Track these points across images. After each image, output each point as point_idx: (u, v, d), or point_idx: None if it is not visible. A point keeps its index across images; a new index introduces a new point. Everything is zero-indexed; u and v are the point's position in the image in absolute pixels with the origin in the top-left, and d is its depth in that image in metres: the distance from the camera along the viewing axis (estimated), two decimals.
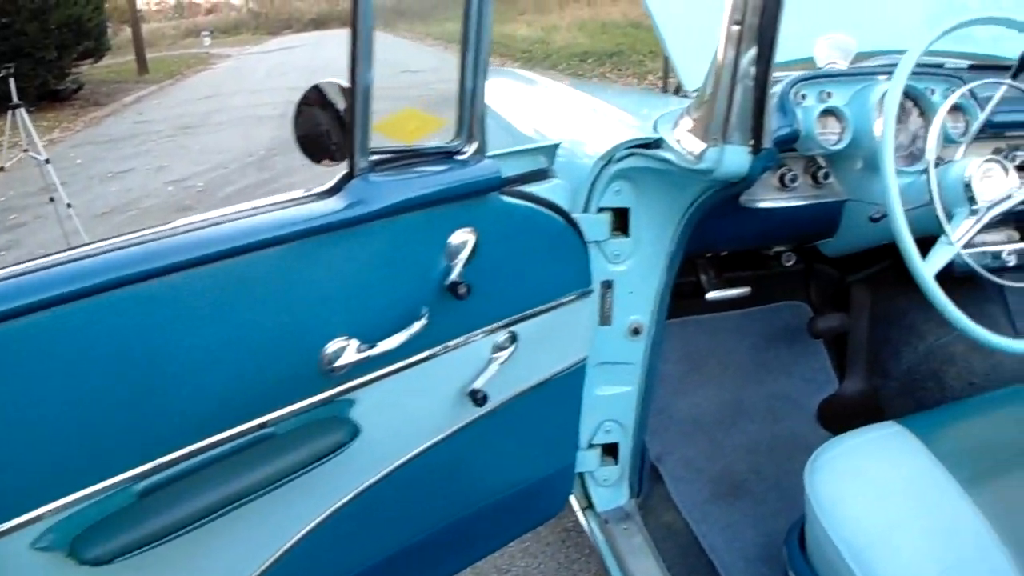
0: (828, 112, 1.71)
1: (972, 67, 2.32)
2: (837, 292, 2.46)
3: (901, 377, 2.33)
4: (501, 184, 1.37)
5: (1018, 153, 1.90)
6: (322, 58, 20.03)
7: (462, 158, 1.34)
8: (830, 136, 1.71)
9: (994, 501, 1.33)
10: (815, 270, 2.46)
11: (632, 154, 1.58)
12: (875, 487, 1.43)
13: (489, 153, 1.42)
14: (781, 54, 2.07)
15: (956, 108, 1.78)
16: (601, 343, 1.72)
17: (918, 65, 1.97)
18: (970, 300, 1.55)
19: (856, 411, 2.38)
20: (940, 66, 2.30)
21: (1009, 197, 1.52)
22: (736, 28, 1.33)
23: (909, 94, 1.77)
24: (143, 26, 24.81)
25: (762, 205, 1.77)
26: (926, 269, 1.45)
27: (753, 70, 1.35)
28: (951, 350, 2.25)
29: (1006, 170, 1.53)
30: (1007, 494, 1.35)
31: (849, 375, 2.45)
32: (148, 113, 13.90)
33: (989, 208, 1.51)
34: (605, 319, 1.71)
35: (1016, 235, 1.88)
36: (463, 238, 1.32)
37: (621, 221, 1.66)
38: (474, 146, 1.35)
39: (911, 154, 1.76)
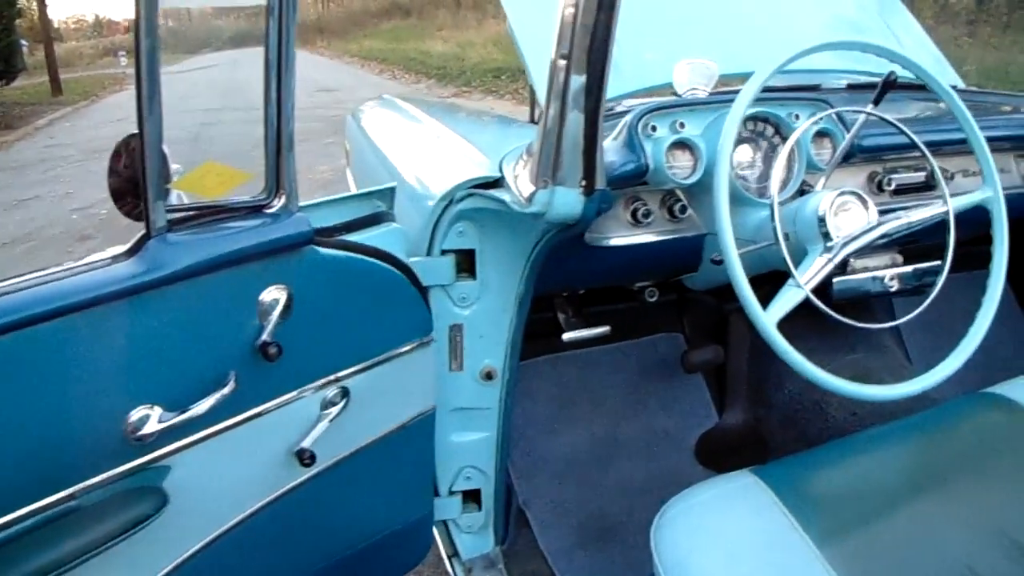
0: (680, 144, 1.63)
1: (851, 86, 2.30)
2: (715, 321, 2.40)
3: (783, 408, 2.30)
4: (315, 237, 1.30)
5: (895, 176, 1.89)
6: (238, 78, 19.70)
7: (271, 212, 1.27)
8: (682, 169, 1.64)
9: (847, 560, 1.27)
10: (688, 300, 2.39)
11: (472, 194, 1.52)
12: (724, 545, 1.36)
13: (325, 199, 1.37)
14: (640, 80, 2.05)
15: (823, 134, 1.75)
16: (453, 389, 1.68)
17: (786, 88, 1.91)
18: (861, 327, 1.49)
19: (737, 444, 2.36)
20: (816, 87, 2.27)
21: (867, 231, 1.47)
22: (563, 62, 1.26)
23: (769, 120, 1.71)
24: (60, 45, 24.26)
25: (613, 243, 1.69)
26: (767, 318, 1.38)
27: (582, 106, 1.28)
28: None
29: (864, 203, 1.48)
30: (861, 551, 1.29)
31: (729, 407, 2.40)
32: (60, 136, 13.67)
33: (844, 244, 1.45)
34: (456, 364, 1.66)
35: (900, 258, 1.81)
36: (274, 296, 1.26)
37: (467, 263, 1.61)
38: (282, 199, 1.28)
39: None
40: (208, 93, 15.36)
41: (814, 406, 2.22)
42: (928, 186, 1.92)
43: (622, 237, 1.70)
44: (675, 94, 1.84)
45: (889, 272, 1.72)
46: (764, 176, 1.70)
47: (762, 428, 2.36)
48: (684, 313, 2.43)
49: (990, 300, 1.54)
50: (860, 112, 1.61)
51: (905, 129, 1.55)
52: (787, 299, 1.42)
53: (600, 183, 1.36)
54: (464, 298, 1.62)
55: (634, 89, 2.05)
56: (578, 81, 1.26)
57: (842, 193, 1.47)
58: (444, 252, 1.57)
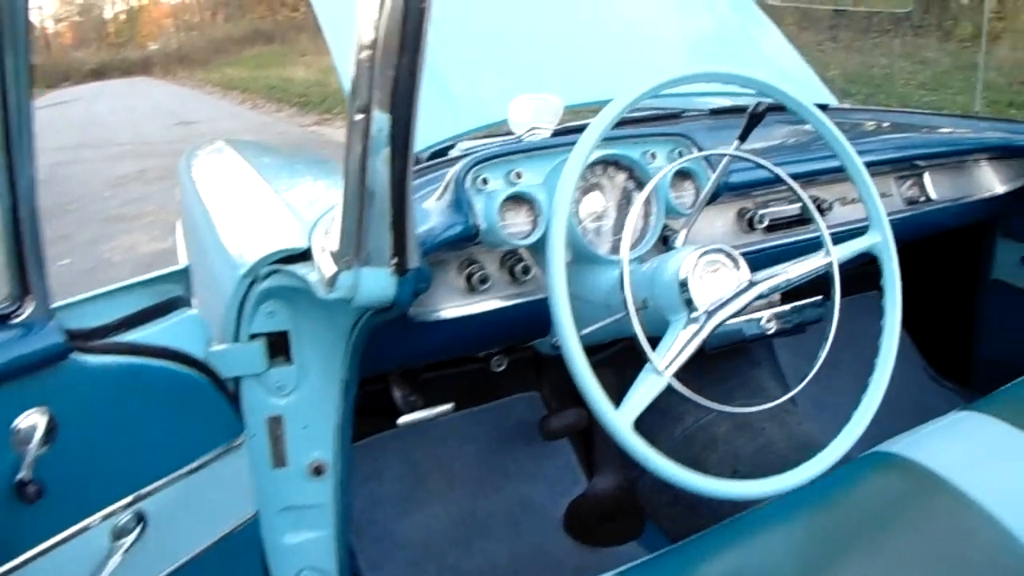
0: (516, 198, 1.41)
1: (715, 112, 2.11)
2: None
3: None
4: (79, 343, 1.14)
5: (767, 212, 1.72)
6: (97, 111, 19.14)
7: (18, 321, 1.08)
8: (519, 228, 1.42)
9: None
10: (545, 357, 2.16)
11: (277, 270, 1.29)
12: None
13: (102, 290, 1.22)
14: (480, 116, 1.81)
15: (685, 174, 1.55)
16: (279, 488, 1.49)
17: (642, 119, 1.70)
18: (732, 370, 1.27)
19: (609, 512, 2.15)
20: (677, 116, 2.07)
21: (738, 295, 1.25)
22: (360, 117, 1.02)
23: (621, 163, 1.49)
24: None
25: (445, 315, 1.46)
26: (620, 420, 1.16)
27: (387, 170, 1.05)
28: (712, 432, 2.05)
29: (734, 261, 1.26)
30: None
31: (599, 471, 2.19)
32: None
33: (712, 313, 1.23)
34: (279, 460, 1.46)
35: (776, 296, 1.62)
36: (31, 422, 1.08)
37: (282, 346, 1.39)
38: (31, 305, 1.09)
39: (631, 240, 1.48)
40: (67, 130, 14.84)
41: (691, 464, 1.98)
42: (804, 220, 1.75)
43: (456, 307, 1.47)
44: (511, 133, 1.63)
45: (766, 313, 1.53)
46: (619, 227, 1.49)
47: (636, 492, 2.17)
48: (541, 372, 2.22)
49: (883, 364, 1.39)
50: (724, 155, 1.43)
51: (774, 168, 1.34)
52: (645, 391, 1.19)
53: (414, 261, 1.16)
54: (281, 386, 1.40)
55: (472, 128, 1.82)
56: (380, 141, 1.03)
57: (707, 252, 1.25)
58: (253, 336, 1.35)
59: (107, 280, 1.43)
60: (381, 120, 1.02)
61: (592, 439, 2.18)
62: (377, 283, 1.16)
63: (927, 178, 2.00)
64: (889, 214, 1.71)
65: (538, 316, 1.52)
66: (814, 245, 1.38)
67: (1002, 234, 2.23)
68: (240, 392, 1.35)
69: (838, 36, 11.22)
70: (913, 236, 2.03)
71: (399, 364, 1.74)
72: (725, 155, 1.41)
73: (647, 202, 1.47)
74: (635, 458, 1.17)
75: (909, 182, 1.98)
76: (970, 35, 9.56)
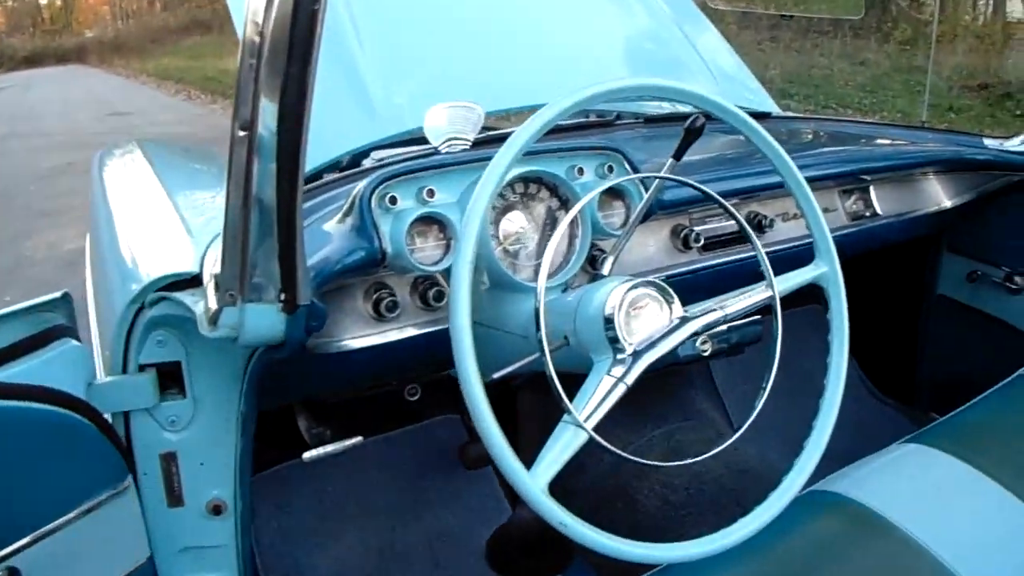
0: (427, 219, 1.29)
1: (650, 120, 2.01)
2: (498, 398, 2.05)
3: (586, 495, 1.98)
4: None
5: (703, 229, 1.62)
6: (28, 100, 18.62)
7: None
8: (430, 252, 1.31)
9: None
10: None
11: (165, 297, 1.18)
12: None
13: None
14: (398, 123, 1.68)
15: (614, 191, 1.43)
16: (176, 528, 1.39)
17: (569, 128, 1.59)
18: (665, 390, 1.19)
19: (534, 542, 2.03)
20: (610, 123, 1.96)
21: (669, 333, 1.13)
22: (243, 134, 0.91)
23: (544, 180, 1.36)
24: None
25: (350, 345, 1.33)
26: (533, 484, 1.04)
27: (272, 196, 0.94)
28: (644, 457, 1.91)
29: (666, 296, 1.14)
30: None
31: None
32: None
33: (640, 354, 1.10)
34: (175, 499, 1.36)
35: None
36: None
37: (174, 378, 1.29)
38: None
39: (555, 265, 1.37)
40: None
41: (620, 492, 1.95)
42: (744, 238, 1.64)
43: (362, 337, 1.34)
44: (420, 142, 1.51)
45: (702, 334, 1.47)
46: (542, 250, 1.34)
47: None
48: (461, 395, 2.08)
49: (829, 405, 1.29)
50: (656, 177, 1.32)
51: (707, 190, 1.23)
52: (562, 447, 1.07)
53: (305, 296, 1.04)
54: (174, 421, 1.30)
55: (389, 135, 1.69)
56: (265, 160, 0.92)
57: (636, 285, 1.13)
58: (142, 367, 1.25)
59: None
60: (267, 137, 0.90)
61: None
62: (264, 321, 1.06)
63: (873, 192, 1.92)
64: (833, 230, 1.61)
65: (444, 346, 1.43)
66: (754, 265, 1.27)
67: (948, 249, 2.17)
68: (130, 428, 1.26)
69: (778, 36, 11.31)
70: (857, 251, 1.95)
71: (304, 396, 1.64)
72: (657, 177, 1.30)
73: (572, 223, 1.36)
74: (549, 522, 1.05)
75: (854, 196, 1.89)
76: (909, 38, 9.67)
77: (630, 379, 1.08)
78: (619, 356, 1.09)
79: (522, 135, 1.10)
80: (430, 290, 1.35)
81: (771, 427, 2.08)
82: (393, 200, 1.28)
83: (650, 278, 1.15)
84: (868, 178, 1.90)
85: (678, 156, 1.29)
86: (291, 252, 0.99)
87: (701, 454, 1.21)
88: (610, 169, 1.42)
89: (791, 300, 1.47)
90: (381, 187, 1.28)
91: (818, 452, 1.25)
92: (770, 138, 1.24)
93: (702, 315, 1.16)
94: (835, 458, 1.86)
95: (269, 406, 1.36)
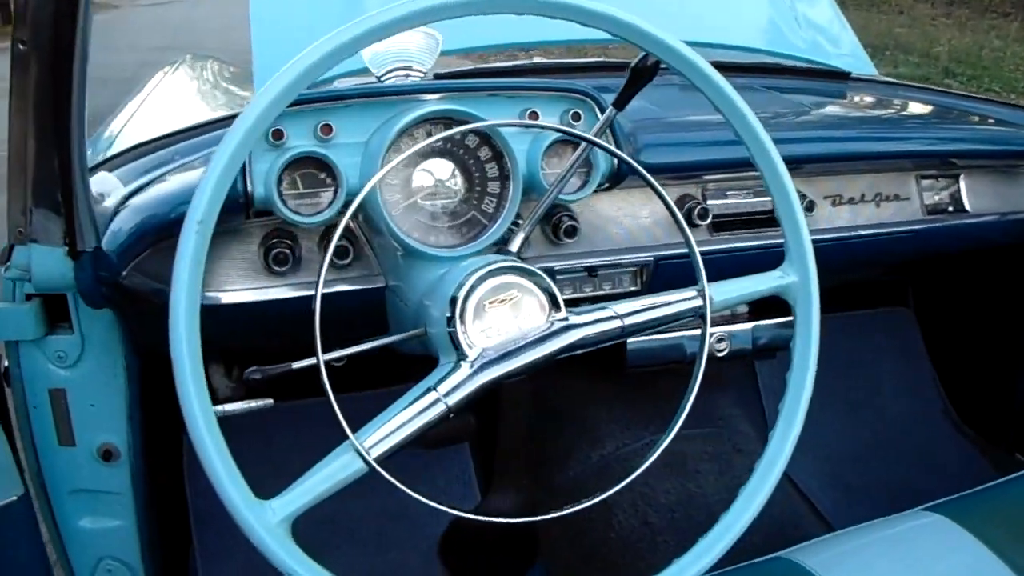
0: (312, 160, 1.04)
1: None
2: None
3: (566, 494, 1.78)
4: None
5: (717, 204, 1.34)
6: (225, 15, 19.11)
7: None
8: (310, 200, 1.07)
9: None
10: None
11: None
12: None
13: None
14: None
15: (576, 145, 1.14)
16: (67, 468, 1.34)
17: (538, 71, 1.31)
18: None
19: (496, 539, 1.83)
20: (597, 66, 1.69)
21: (539, 344, 0.89)
22: (22, 48, 0.85)
23: (468, 123, 1.06)
24: None
25: (225, 300, 1.14)
26: (264, 517, 0.84)
27: (49, 123, 0.89)
28: (633, 465, 1.68)
29: (546, 290, 0.91)
30: None
31: (497, 488, 1.85)
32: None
33: (484, 367, 0.88)
34: (66, 438, 1.31)
35: (741, 309, 1.43)
36: None
37: (64, 311, 1.23)
38: None
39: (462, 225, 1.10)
40: None
41: (600, 504, 1.68)
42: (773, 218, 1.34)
43: (241, 291, 1.13)
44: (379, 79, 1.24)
45: (718, 330, 1.36)
46: (461, 213, 1.08)
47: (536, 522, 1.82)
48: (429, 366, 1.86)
49: (780, 441, 1.00)
50: (580, 137, 1.02)
51: (623, 156, 0.98)
52: (326, 476, 0.88)
53: (88, 241, 0.98)
54: (61, 356, 1.24)
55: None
56: (42, 86, 0.86)
57: (497, 271, 0.89)
58: (29, 296, 1.19)
59: None
60: (41, 52, 0.84)
61: (494, 448, 1.85)
62: (50, 264, 1.00)
63: (963, 182, 1.55)
64: (902, 224, 1.45)
65: (368, 310, 1.19)
66: (780, 254, 1.02)
67: None
68: (20, 358, 1.22)
69: (955, 13, 10.74)
70: (931, 254, 1.65)
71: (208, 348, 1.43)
72: (582, 137, 1.00)
73: (504, 179, 1.07)
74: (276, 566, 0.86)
75: (938, 185, 1.53)
76: None
77: (454, 400, 0.86)
78: (459, 364, 0.87)
79: (299, 64, 0.81)
80: (345, 243, 1.13)
81: (814, 445, 1.78)
82: (279, 134, 1.04)
83: (520, 263, 0.91)
84: (959, 163, 1.54)
85: (620, 104, 0.99)
86: (69, 188, 0.92)
87: (701, 472, 0.97)
88: (576, 117, 1.14)
89: (853, 299, 1.36)
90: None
91: (757, 500, 1.00)
92: (728, 89, 0.92)
93: (594, 322, 0.90)
94: (882, 487, 1.71)
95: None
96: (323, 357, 0.84)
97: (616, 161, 1.13)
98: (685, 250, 1.29)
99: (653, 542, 1.63)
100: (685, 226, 0.93)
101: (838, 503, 1.77)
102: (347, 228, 1.15)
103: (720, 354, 1.39)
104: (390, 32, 0.81)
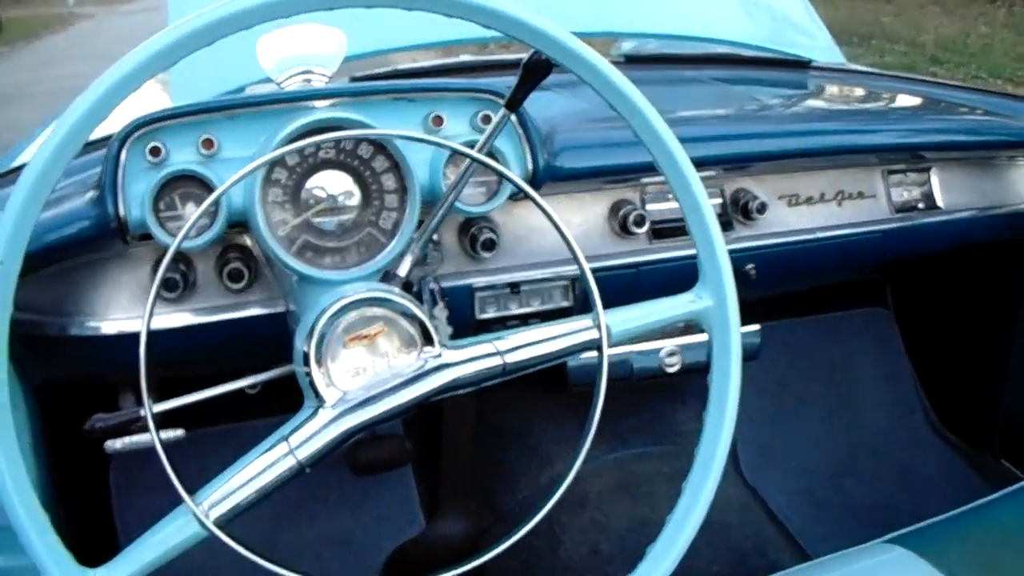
0: (193, 179, 0.95)
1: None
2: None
3: (514, 517, 1.69)
4: None
5: (656, 208, 1.24)
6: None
7: None
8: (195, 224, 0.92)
9: None
10: None
11: None
12: None
13: None
14: None
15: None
16: None
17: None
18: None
19: (443, 565, 1.68)
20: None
21: (401, 388, 0.78)
22: None
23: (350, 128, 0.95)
24: None
25: (114, 328, 1.05)
26: None
27: None
28: (584, 489, 1.66)
29: (418, 325, 0.80)
30: None
31: (442, 512, 1.77)
32: None
33: (343, 415, 0.77)
34: None
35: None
36: None
37: None
38: None
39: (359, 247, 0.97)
40: None
41: (547, 526, 1.64)
42: (723, 224, 1.24)
43: (130, 319, 1.05)
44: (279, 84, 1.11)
45: (668, 343, 1.28)
46: (353, 232, 0.95)
47: (481, 546, 1.71)
48: None
49: (701, 475, 0.86)
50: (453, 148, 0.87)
51: (477, 156, 0.84)
52: (158, 542, 0.74)
53: None
54: None
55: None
56: None
57: (360, 302, 0.79)
58: None
59: None
60: None
61: (438, 471, 1.75)
62: None
63: (934, 176, 1.44)
64: (864, 224, 1.37)
65: (276, 336, 1.06)
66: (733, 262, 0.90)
67: None
68: None
69: (944, 1, 10.59)
70: (906, 255, 1.53)
71: (89, 378, 1.33)
72: (455, 149, 0.87)
73: (402, 191, 0.96)
74: None
75: (907, 180, 1.42)
76: None
77: (307, 454, 0.76)
78: (317, 411, 0.77)
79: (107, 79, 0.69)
80: (228, 265, 1.03)
81: (782, 456, 1.67)
82: (156, 151, 0.94)
83: (386, 292, 0.81)
84: (930, 156, 1.42)
85: (512, 104, 0.87)
86: None
87: (657, 493, 0.87)
88: (486, 119, 1.02)
89: (843, 297, 1.38)
90: (138, 134, 0.94)
91: (685, 534, 0.88)
92: (622, 83, 0.79)
93: (472, 360, 0.79)
94: (858, 504, 1.70)
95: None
96: (155, 408, 0.75)
97: (531, 166, 1.01)
98: (623, 261, 1.19)
99: (603, 573, 1.54)
100: (576, 249, 0.82)
101: (809, 523, 1.67)
102: (243, 249, 1.05)
103: (671, 369, 1.30)
104: (186, 51, 0.70)
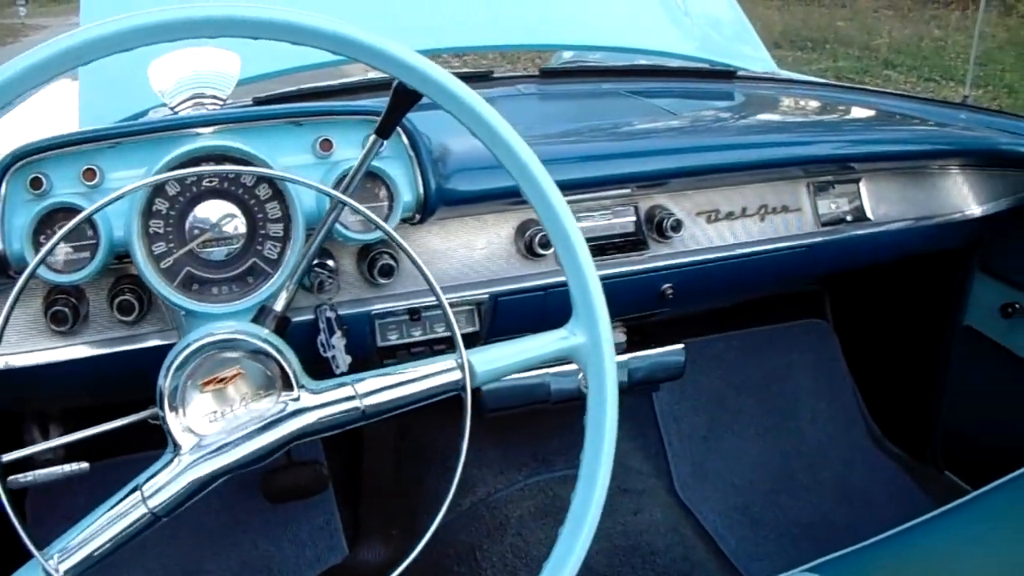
0: (68, 209, 0.90)
1: (547, 73, 1.55)
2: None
3: (434, 543, 1.56)
4: None
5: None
6: None
7: None
8: (75, 256, 0.92)
9: None
10: None
11: None
12: None
13: None
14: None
15: (371, 174, 0.99)
16: None
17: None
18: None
19: None
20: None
21: (263, 431, 0.74)
22: None
23: (242, 160, 0.92)
24: None
25: (20, 362, 1.01)
26: None
27: None
28: (505, 513, 1.63)
29: (275, 366, 0.77)
30: None
31: (364, 537, 1.72)
32: None
33: (203, 459, 0.73)
34: None
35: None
36: None
37: None
38: None
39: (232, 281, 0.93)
40: None
41: (467, 552, 1.63)
42: (638, 241, 1.22)
43: (21, 354, 1.01)
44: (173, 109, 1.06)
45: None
46: (252, 249, 0.91)
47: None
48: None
49: (573, 533, 0.80)
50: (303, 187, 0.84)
51: (362, 209, 0.81)
52: None
53: None
54: None
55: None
56: None
57: (213, 344, 0.75)
58: None
59: None
60: None
61: (358, 496, 1.71)
62: None
63: (863, 188, 1.40)
64: (789, 239, 1.33)
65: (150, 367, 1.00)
66: (645, 283, 1.01)
67: (981, 269, 1.63)
68: None
69: (897, 4, 10.74)
70: (838, 269, 1.51)
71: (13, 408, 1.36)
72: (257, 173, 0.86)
73: (287, 219, 0.91)
74: None
75: (834, 192, 1.38)
76: None
77: (159, 502, 0.72)
78: (173, 458, 0.74)
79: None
80: (120, 296, 0.99)
81: (715, 475, 1.64)
82: (37, 183, 0.90)
83: (241, 333, 0.77)
84: (859, 168, 1.38)
85: (383, 131, 0.81)
86: None
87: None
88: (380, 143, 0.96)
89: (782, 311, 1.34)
90: (19, 164, 0.90)
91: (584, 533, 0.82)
92: (481, 108, 0.74)
93: (330, 404, 0.75)
94: (796, 522, 1.67)
95: None
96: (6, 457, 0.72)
97: (422, 190, 0.96)
98: (529, 283, 1.14)
99: None
100: (435, 284, 0.77)
101: (745, 542, 1.63)
102: (136, 280, 0.99)
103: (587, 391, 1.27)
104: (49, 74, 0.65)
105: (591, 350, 0.78)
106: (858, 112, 1.56)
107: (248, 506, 1.72)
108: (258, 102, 1.28)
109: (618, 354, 1.30)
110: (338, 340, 0.98)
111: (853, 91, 1.71)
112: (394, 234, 0.76)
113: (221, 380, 0.73)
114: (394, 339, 1.10)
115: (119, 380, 1.08)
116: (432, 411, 0.80)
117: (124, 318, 0.99)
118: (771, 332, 1.89)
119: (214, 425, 0.73)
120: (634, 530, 1.57)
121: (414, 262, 0.74)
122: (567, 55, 2.02)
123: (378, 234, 0.97)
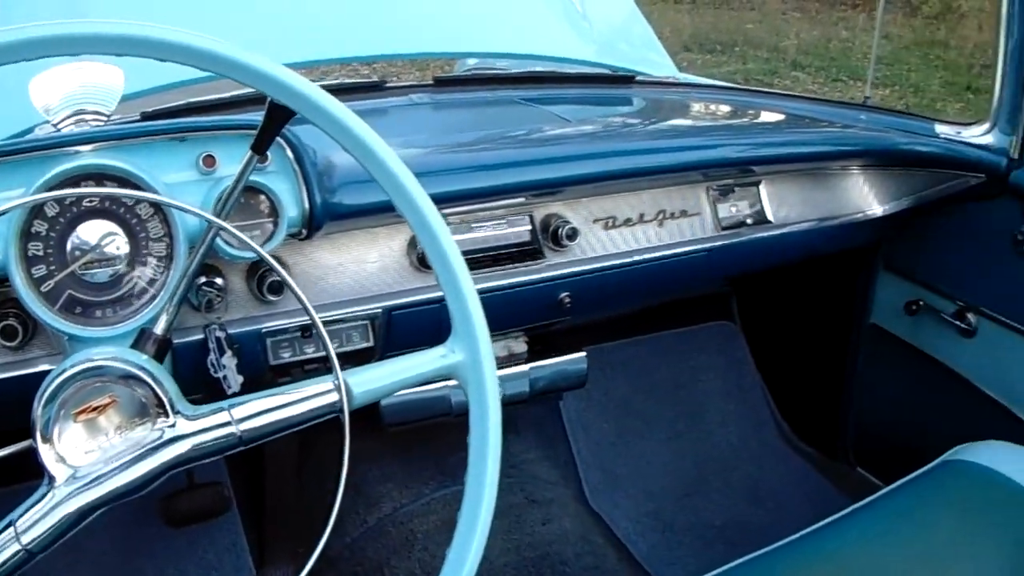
0: None
1: (441, 81, 1.54)
2: None
3: (342, 561, 1.62)
4: None
5: (459, 239, 1.17)
6: None
7: None
8: None
9: None
10: None
11: None
12: None
13: None
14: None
15: (254, 189, 0.97)
16: None
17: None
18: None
19: None
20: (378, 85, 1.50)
21: (132, 465, 0.71)
22: None
23: (121, 179, 0.89)
24: None
25: None
26: None
27: None
28: (411, 527, 1.61)
29: (151, 392, 0.73)
30: None
31: (270, 558, 1.69)
32: None
33: (79, 492, 0.70)
34: None
35: (522, 344, 1.33)
36: None
37: None
38: None
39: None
40: None
41: (374, 570, 1.60)
42: (533, 251, 1.21)
43: None
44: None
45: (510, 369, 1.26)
46: (135, 270, 0.90)
47: None
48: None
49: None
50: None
51: (223, 222, 0.79)
52: None
53: None
54: None
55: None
56: None
57: (85, 373, 0.71)
58: None
59: None
60: None
61: (263, 515, 1.67)
62: None
63: (763, 191, 1.41)
64: (688, 244, 1.33)
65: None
66: (542, 293, 1.01)
67: (885, 267, 1.66)
68: None
69: (805, 7, 10.92)
70: (742, 271, 1.52)
71: None
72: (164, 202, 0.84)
73: (169, 238, 0.89)
74: None
75: (733, 196, 1.38)
76: (937, 13, 9.13)
77: (32, 537, 0.69)
78: (48, 490, 0.71)
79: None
80: (2, 322, 0.95)
81: (626, 481, 1.63)
82: None
83: (115, 359, 0.73)
84: (758, 171, 1.38)
85: (259, 147, 0.79)
86: None
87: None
88: (264, 158, 0.93)
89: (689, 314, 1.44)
90: None
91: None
92: (339, 111, 0.72)
93: (206, 431, 0.73)
94: (708, 524, 1.68)
95: None
96: None
97: (307, 205, 0.94)
98: (423, 296, 1.12)
99: None
100: (307, 303, 0.75)
101: (657, 547, 1.63)
102: (17, 304, 0.93)
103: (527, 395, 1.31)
104: None
105: (471, 367, 0.77)
106: (757, 115, 1.57)
107: (149, 532, 1.67)
108: (146, 117, 1.23)
109: (520, 363, 1.30)
110: (229, 360, 0.95)
111: (754, 94, 1.72)
112: (266, 255, 0.74)
113: (95, 409, 0.70)
114: (287, 357, 1.08)
115: (5, 407, 1.03)
116: (333, 427, 0.78)
117: (7, 343, 0.95)
118: (679, 336, 1.89)
119: (89, 456, 0.70)
120: (543, 540, 1.56)
121: (286, 283, 0.72)
122: (471, 63, 2.01)
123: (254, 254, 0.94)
